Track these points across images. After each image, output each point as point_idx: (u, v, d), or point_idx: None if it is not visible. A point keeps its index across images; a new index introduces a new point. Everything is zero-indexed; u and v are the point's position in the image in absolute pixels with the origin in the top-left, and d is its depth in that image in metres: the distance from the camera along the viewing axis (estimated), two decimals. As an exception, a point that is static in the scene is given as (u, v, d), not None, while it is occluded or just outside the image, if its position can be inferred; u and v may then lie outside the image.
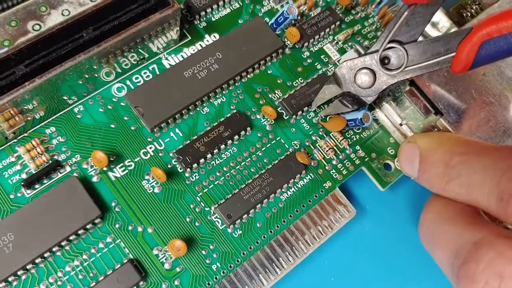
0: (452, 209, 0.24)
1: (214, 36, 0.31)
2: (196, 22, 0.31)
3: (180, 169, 0.27)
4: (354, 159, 0.29)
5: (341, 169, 0.29)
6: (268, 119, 0.29)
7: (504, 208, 0.21)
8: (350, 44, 0.32)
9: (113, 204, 0.26)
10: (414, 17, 0.25)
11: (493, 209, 0.22)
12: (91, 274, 0.25)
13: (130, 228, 0.26)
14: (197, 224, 0.27)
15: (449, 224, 0.24)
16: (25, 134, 0.27)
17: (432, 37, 0.25)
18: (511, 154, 0.23)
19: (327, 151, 0.29)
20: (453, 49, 0.23)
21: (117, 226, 0.26)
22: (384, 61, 0.26)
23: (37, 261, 0.24)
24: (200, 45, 0.31)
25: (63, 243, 0.25)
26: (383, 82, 0.27)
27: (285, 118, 0.30)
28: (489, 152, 0.23)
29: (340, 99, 0.28)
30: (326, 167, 0.29)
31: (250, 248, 0.27)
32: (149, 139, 0.28)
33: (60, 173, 0.26)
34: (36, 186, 0.26)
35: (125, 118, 0.28)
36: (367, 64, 0.27)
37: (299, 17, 0.32)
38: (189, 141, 0.28)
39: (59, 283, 0.24)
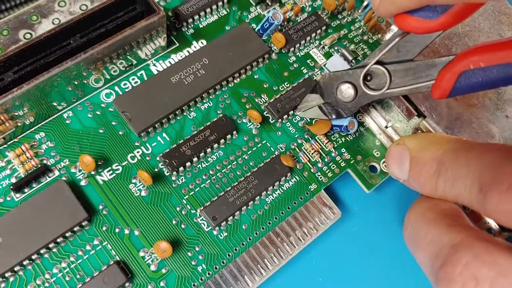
0: (434, 212, 0.25)
1: (201, 42, 0.32)
2: (183, 29, 0.32)
3: (167, 172, 0.28)
4: (339, 161, 0.30)
5: (327, 172, 0.29)
6: (254, 123, 0.30)
7: (482, 199, 0.21)
8: (336, 48, 0.33)
9: (100, 207, 0.27)
10: (406, 44, 0.25)
11: (473, 201, 0.22)
12: (78, 276, 0.25)
13: (117, 230, 0.26)
14: (183, 226, 0.27)
15: (430, 227, 0.24)
16: (15, 140, 0.27)
17: (416, 61, 0.25)
18: (494, 148, 0.23)
19: (312, 153, 0.30)
20: (434, 75, 0.23)
21: (104, 228, 0.26)
22: (367, 78, 0.26)
23: (24, 263, 0.25)
24: (188, 51, 0.31)
25: (50, 246, 0.25)
26: (364, 98, 0.27)
27: (271, 121, 0.30)
28: (475, 147, 0.24)
29: (320, 105, 0.29)
30: (312, 170, 0.29)
31: (236, 249, 0.27)
32: (136, 144, 0.28)
33: (49, 177, 0.27)
34: (25, 190, 0.26)
35: (113, 123, 0.29)
36: (350, 79, 0.27)
37: (285, 23, 0.33)
38: (175, 145, 0.28)
39: (47, 284, 0.25)
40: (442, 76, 0.22)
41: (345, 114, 0.28)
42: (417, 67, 0.25)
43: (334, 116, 0.28)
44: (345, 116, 0.28)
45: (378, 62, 0.26)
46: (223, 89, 0.31)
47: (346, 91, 0.27)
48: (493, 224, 0.28)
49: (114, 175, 0.27)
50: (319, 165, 0.29)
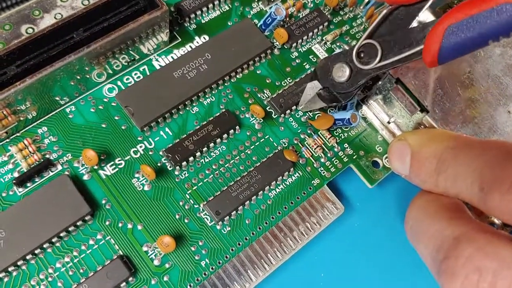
0: (435, 205, 0.25)
1: (204, 38, 0.32)
2: (186, 25, 0.32)
3: (170, 167, 0.28)
4: (342, 156, 0.30)
5: (329, 167, 0.29)
6: (257, 118, 0.30)
7: (484, 198, 0.22)
8: (338, 44, 0.33)
9: (103, 201, 0.27)
10: (396, 18, 0.25)
11: (475, 200, 0.22)
12: (81, 270, 0.25)
13: (120, 225, 0.26)
14: (186, 221, 0.27)
15: (432, 220, 0.24)
16: (18, 134, 0.27)
17: (405, 30, 0.25)
18: (495, 146, 0.23)
19: (315, 149, 0.30)
20: (423, 40, 0.23)
21: (107, 223, 0.26)
22: (360, 55, 0.26)
23: (28, 257, 0.25)
24: (190, 46, 0.31)
25: (53, 240, 0.25)
26: (359, 76, 0.27)
27: (274, 117, 0.30)
28: (476, 145, 0.24)
29: (318, 92, 0.28)
30: (314, 165, 0.29)
31: (239, 244, 0.27)
32: (139, 138, 0.28)
33: (52, 171, 0.27)
34: (28, 184, 0.26)
35: (116, 118, 0.29)
36: (344, 58, 0.27)
37: (287, 18, 0.33)
38: (178, 140, 0.28)
39: (50, 279, 0.25)
40: (430, 37, 0.22)
41: (342, 98, 0.28)
42: (407, 35, 0.25)
43: (331, 102, 0.28)
44: (342, 102, 0.28)
45: (369, 38, 0.26)
46: (225, 84, 0.31)
47: (341, 70, 0.27)
48: (495, 218, 0.28)
49: (117, 169, 0.27)
50: (322, 160, 0.29)
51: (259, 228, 0.27)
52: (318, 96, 0.29)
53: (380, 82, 0.30)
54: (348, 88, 0.27)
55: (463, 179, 0.23)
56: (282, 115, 0.30)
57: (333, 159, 0.30)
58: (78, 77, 0.28)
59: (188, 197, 0.27)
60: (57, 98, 0.28)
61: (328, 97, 0.28)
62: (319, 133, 0.30)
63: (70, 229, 0.25)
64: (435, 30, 0.21)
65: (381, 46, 0.25)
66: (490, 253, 0.20)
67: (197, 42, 0.31)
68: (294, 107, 0.30)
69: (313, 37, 0.33)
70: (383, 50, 0.25)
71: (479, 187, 0.22)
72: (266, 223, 0.28)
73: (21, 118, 0.27)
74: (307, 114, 0.30)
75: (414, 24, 0.27)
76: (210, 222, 0.27)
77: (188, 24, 0.32)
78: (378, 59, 0.25)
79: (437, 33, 0.21)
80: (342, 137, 0.30)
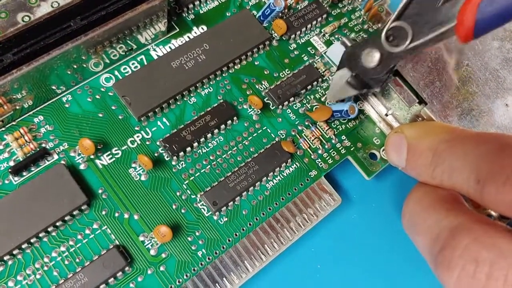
0: (432, 197, 0.25)
1: (202, 28, 0.31)
2: (184, 15, 0.32)
3: (167, 157, 0.28)
4: (339, 148, 0.30)
5: (327, 158, 0.29)
6: (255, 109, 0.30)
7: (480, 190, 0.22)
8: (336, 36, 0.33)
9: (100, 191, 0.26)
10: None
11: (471, 192, 0.23)
12: (77, 260, 0.25)
13: (116, 214, 0.26)
14: (183, 211, 0.27)
15: (429, 212, 0.24)
16: (14, 123, 0.27)
17: (434, 8, 0.23)
18: (491, 139, 0.23)
19: (313, 140, 0.29)
20: (455, 17, 0.22)
21: (103, 213, 0.26)
22: (389, 38, 0.25)
23: (23, 246, 0.24)
24: (188, 37, 0.31)
25: (49, 229, 0.25)
26: (390, 59, 0.26)
27: (272, 108, 0.30)
28: (472, 138, 0.24)
29: (347, 81, 0.27)
30: (312, 156, 0.29)
31: (236, 235, 0.27)
32: (136, 128, 0.28)
33: (48, 160, 0.27)
34: (24, 173, 0.26)
35: (113, 108, 0.28)
36: (373, 43, 0.26)
37: (286, 10, 0.33)
38: (176, 130, 0.28)
39: (45, 268, 0.25)
40: (462, 11, 0.21)
41: (374, 84, 0.27)
42: (437, 13, 0.23)
43: (363, 89, 0.27)
44: (373, 87, 0.27)
45: (398, 20, 0.25)
46: (223, 75, 0.30)
47: (370, 55, 0.26)
48: (492, 211, 0.28)
49: (113, 159, 0.27)
50: (320, 151, 0.29)
51: (256, 219, 0.27)
52: (348, 84, 0.28)
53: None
54: (379, 73, 0.26)
55: (459, 172, 0.23)
56: (280, 106, 0.30)
57: (330, 151, 0.30)
58: (75, 66, 0.27)
59: (185, 187, 0.27)
60: (53, 87, 0.27)
61: (359, 84, 0.27)
62: (317, 124, 0.30)
63: (66, 218, 0.25)
64: (468, 4, 0.20)
65: (411, 27, 0.24)
66: (487, 243, 0.20)
67: (195, 32, 0.31)
68: (292, 99, 0.30)
69: (312, 29, 0.33)
70: (413, 31, 0.24)
71: (475, 179, 0.22)
72: (263, 214, 0.28)
73: (17, 107, 0.27)
74: (304, 105, 0.30)
75: (443, 1, 0.26)
76: (207, 213, 0.27)
77: (186, 14, 0.32)
78: (409, 40, 0.24)
79: (471, 6, 0.20)
80: (340, 129, 0.30)
